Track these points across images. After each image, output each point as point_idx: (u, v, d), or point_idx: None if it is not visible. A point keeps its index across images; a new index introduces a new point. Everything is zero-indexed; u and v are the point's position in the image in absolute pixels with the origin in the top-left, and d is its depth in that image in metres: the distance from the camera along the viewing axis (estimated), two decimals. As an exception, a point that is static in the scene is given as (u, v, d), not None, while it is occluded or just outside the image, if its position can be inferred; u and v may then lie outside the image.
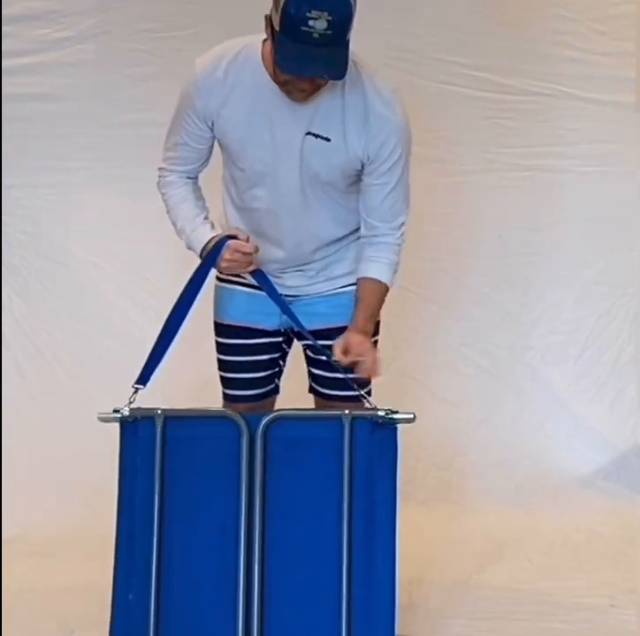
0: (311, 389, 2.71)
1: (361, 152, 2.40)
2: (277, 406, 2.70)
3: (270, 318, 2.62)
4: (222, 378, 2.70)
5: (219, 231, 2.49)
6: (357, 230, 2.57)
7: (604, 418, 4.06)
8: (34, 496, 3.60)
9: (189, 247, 2.51)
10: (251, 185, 2.49)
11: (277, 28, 2.19)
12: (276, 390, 2.72)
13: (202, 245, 2.46)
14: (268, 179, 2.45)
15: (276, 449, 2.41)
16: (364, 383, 2.51)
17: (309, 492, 2.42)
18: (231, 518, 2.41)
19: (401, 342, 3.94)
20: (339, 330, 2.52)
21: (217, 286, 2.66)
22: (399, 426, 2.40)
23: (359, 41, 3.97)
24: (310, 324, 2.58)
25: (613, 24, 4.01)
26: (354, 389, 2.51)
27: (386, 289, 2.52)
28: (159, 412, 2.44)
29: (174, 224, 2.54)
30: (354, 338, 2.43)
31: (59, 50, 3.93)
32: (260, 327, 2.62)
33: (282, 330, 2.65)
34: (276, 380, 2.70)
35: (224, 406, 2.68)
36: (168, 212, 2.56)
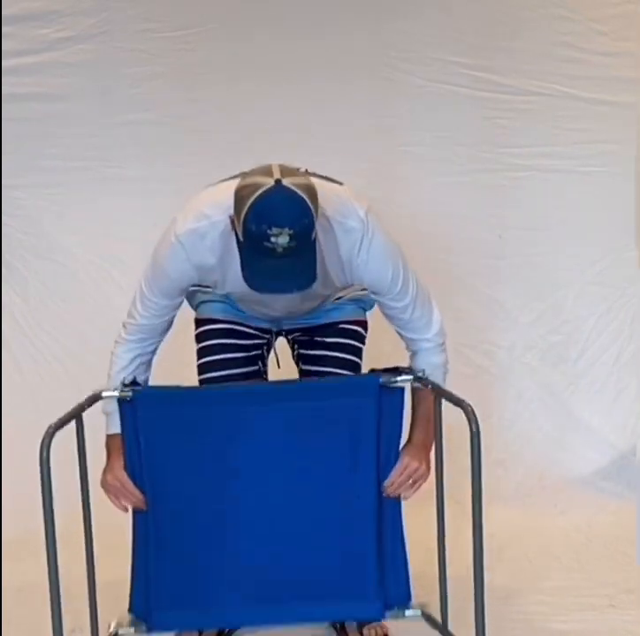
0: (301, 375, 2.70)
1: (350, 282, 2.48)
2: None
3: (257, 321, 2.64)
4: (201, 365, 2.66)
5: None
6: None
7: (604, 418, 4.06)
8: (35, 496, 3.59)
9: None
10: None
11: (241, 238, 2.19)
12: (258, 375, 2.68)
13: (108, 433, 2.54)
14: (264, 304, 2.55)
15: (286, 416, 2.44)
16: None
17: (322, 446, 2.49)
18: (243, 481, 2.45)
19: (402, 342, 3.93)
20: (326, 327, 2.61)
21: (191, 290, 2.64)
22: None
23: (359, 41, 4.00)
24: (295, 325, 2.66)
25: (613, 24, 4.01)
26: (346, 369, 2.61)
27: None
28: (158, 388, 2.49)
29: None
30: (412, 463, 2.53)
31: (59, 50, 3.93)
32: (246, 323, 2.64)
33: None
34: (259, 363, 2.68)
35: None
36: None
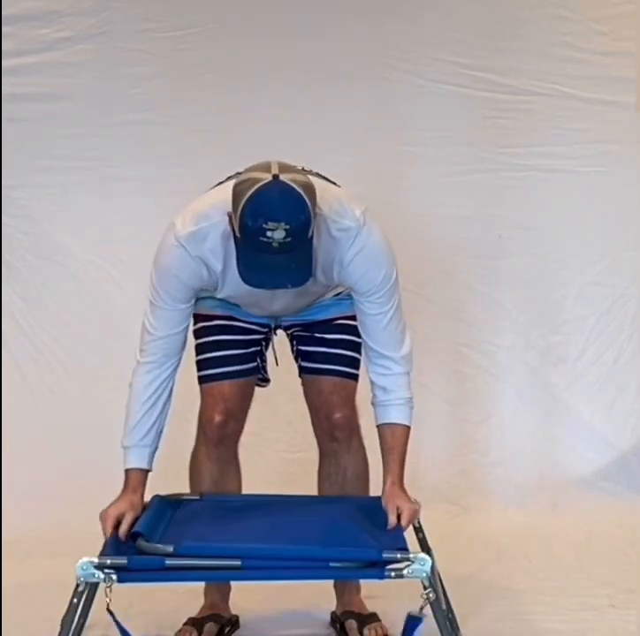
0: (301, 371, 2.69)
1: (338, 283, 2.48)
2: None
3: (256, 316, 2.64)
4: (200, 362, 2.64)
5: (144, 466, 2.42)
6: None
7: (604, 418, 4.05)
8: (35, 496, 3.60)
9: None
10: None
11: (237, 234, 2.20)
12: (256, 372, 2.67)
13: (125, 468, 2.42)
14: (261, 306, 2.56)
15: None
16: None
17: None
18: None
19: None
20: (325, 323, 2.60)
21: None
22: None
23: (360, 41, 4.00)
24: (293, 321, 2.64)
25: (613, 24, 4.01)
26: (346, 365, 2.61)
27: (409, 429, 2.49)
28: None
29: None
30: (403, 503, 2.38)
31: (59, 50, 3.92)
32: (245, 318, 2.63)
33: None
34: (258, 359, 2.66)
35: (201, 391, 2.65)
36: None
